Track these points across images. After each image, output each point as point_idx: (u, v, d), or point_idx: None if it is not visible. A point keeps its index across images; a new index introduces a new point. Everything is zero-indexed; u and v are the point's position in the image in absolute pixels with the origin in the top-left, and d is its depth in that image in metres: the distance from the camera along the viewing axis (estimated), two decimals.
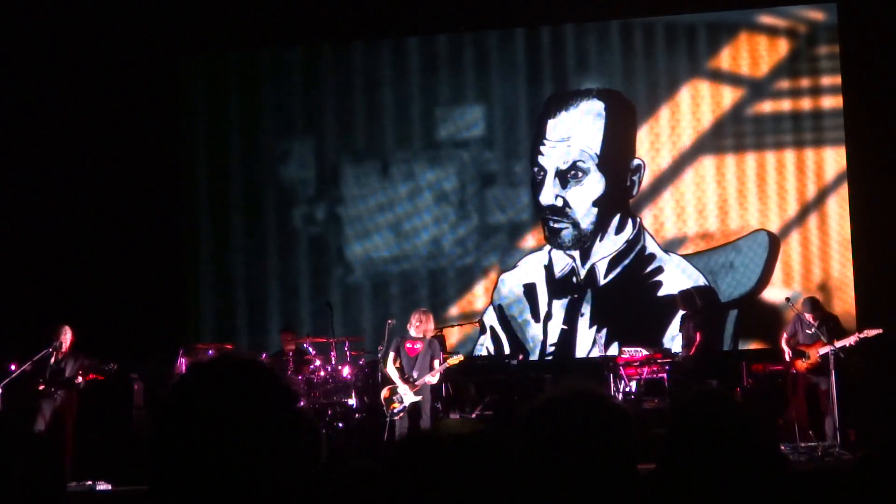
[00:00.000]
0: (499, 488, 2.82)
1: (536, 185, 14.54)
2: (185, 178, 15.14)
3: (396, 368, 11.85)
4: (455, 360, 12.07)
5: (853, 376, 11.77)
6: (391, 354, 11.94)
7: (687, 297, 12.84)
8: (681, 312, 12.91)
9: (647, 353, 12.67)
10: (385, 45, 15.01)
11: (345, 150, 14.99)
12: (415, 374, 11.75)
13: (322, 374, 12.75)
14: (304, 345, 13.23)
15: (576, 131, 14.49)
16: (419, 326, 11.86)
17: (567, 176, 14.46)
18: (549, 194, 14.49)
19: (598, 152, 14.41)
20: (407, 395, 11.69)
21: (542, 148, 14.57)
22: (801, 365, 11.94)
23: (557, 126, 14.54)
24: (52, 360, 11.79)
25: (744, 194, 14.19)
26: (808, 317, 12.05)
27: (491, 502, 2.81)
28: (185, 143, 15.16)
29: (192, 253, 15.04)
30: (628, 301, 14.13)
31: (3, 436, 2.90)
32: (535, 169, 14.56)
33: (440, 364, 11.84)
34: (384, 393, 11.88)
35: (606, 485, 2.19)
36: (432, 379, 11.81)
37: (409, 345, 11.89)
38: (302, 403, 12.05)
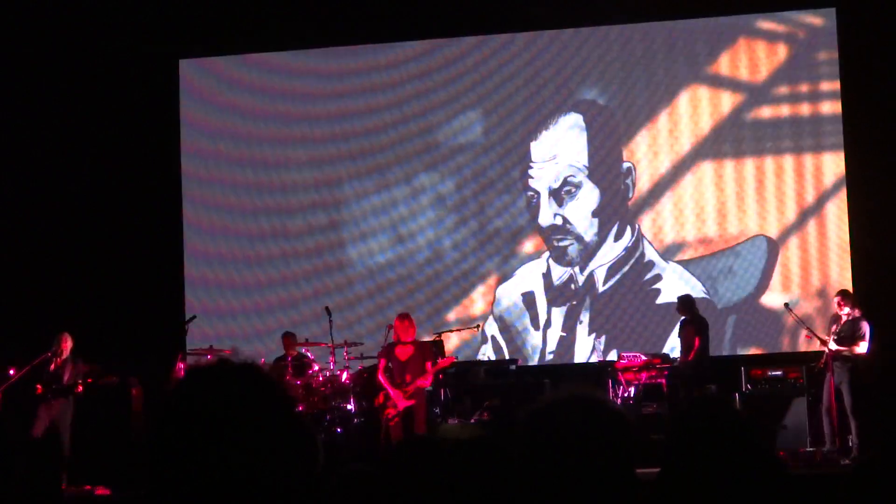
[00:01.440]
0: (498, 492, 2.81)
1: (533, 209, 14.55)
2: (185, 181, 15.14)
3: (387, 374, 11.83)
4: (446, 361, 12.02)
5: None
6: (382, 361, 11.93)
7: (686, 303, 12.83)
8: (680, 318, 12.90)
9: (645, 358, 12.68)
10: (384, 48, 15.02)
11: (343, 155, 14.99)
12: (408, 379, 11.73)
13: (321, 378, 12.75)
14: (303, 350, 13.24)
15: (560, 148, 14.51)
16: (404, 331, 11.84)
17: (561, 193, 14.47)
18: (548, 215, 14.49)
19: (587, 163, 14.43)
20: (400, 401, 11.67)
21: (530, 171, 14.58)
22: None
23: (541, 146, 14.56)
24: (52, 366, 11.80)
25: (743, 199, 14.19)
26: (835, 304, 12.07)
27: None
28: (184, 146, 15.16)
29: (190, 256, 15.03)
30: (627, 308, 14.13)
31: (2, 439, 2.91)
32: (528, 193, 14.56)
33: (432, 367, 11.80)
34: (378, 399, 11.87)
35: (605, 489, 2.19)
36: (425, 382, 11.77)
37: (398, 350, 11.87)
38: (301, 408, 12.04)
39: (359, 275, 14.79)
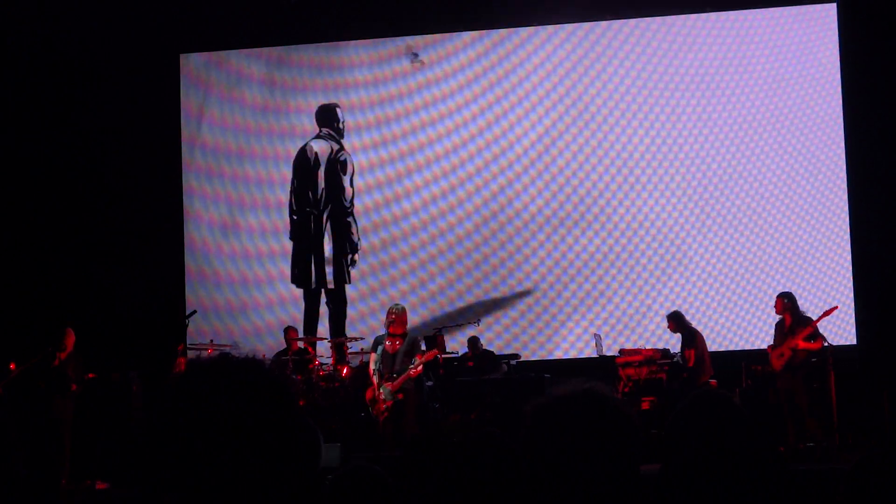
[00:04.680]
0: (502, 487, 2.81)
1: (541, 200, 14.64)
2: (185, 175, 15.14)
3: (376, 368, 11.80)
4: (430, 355, 11.81)
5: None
6: (372, 354, 11.90)
7: (675, 319, 12.77)
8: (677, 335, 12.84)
9: (646, 352, 12.69)
10: (387, 43, 15.01)
11: (346, 150, 14.99)
12: (395, 374, 11.69)
13: (321, 373, 12.76)
14: (304, 345, 13.27)
15: (579, 143, 14.60)
16: (395, 323, 11.76)
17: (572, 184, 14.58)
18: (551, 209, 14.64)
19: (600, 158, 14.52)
20: (387, 395, 11.63)
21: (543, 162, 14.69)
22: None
23: (562, 140, 14.64)
24: (55, 361, 11.77)
25: (742, 197, 14.20)
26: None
27: (494, 501, 2.81)
28: (185, 140, 15.16)
29: (191, 252, 15.04)
30: (633, 302, 14.17)
31: (3, 435, 2.90)
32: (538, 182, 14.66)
33: (420, 359, 11.70)
34: (367, 393, 11.84)
35: (608, 486, 2.19)
36: (411, 377, 11.69)
37: (388, 343, 11.80)
38: (301, 403, 12.04)
39: (361, 268, 14.78)
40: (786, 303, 11.79)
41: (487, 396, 12.65)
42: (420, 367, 11.65)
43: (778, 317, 11.88)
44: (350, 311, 14.62)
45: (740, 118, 14.27)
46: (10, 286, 14.12)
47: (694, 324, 12.85)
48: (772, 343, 11.86)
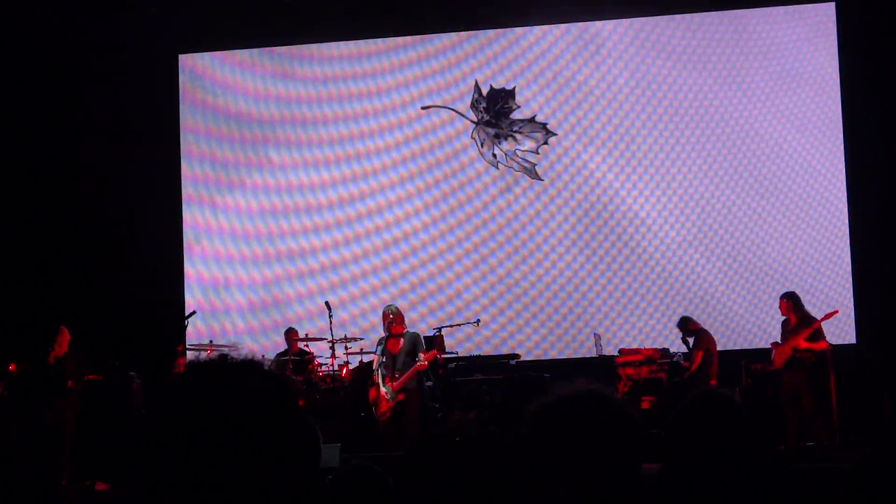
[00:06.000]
0: (502, 487, 2.82)
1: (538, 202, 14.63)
2: (184, 176, 15.13)
3: (378, 368, 11.82)
4: (430, 356, 11.81)
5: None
6: (374, 356, 11.92)
7: (683, 325, 12.78)
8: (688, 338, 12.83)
9: (646, 352, 12.69)
10: (387, 43, 15.01)
11: (349, 153, 14.99)
12: (397, 373, 11.71)
13: (321, 373, 12.77)
14: (304, 345, 13.27)
15: (569, 144, 14.58)
16: (394, 323, 11.78)
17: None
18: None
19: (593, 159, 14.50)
20: (389, 395, 11.64)
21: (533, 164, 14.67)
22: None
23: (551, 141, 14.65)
24: (52, 360, 11.76)
25: (741, 197, 14.20)
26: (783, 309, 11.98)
27: (495, 501, 2.82)
28: (183, 142, 15.16)
29: (191, 252, 15.03)
30: (627, 304, 14.16)
31: (3, 436, 2.90)
32: (535, 186, 14.66)
33: (420, 361, 11.70)
34: (371, 393, 11.87)
35: (609, 487, 2.19)
36: (412, 377, 11.69)
37: (390, 343, 11.83)
38: (301, 403, 12.05)
39: (358, 268, 14.78)
40: (788, 303, 11.84)
41: (487, 396, 12.65)
42: (425, 362, 11.68)
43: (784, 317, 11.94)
44: (352, 310, 14.60)
45: (739, 117, 14.26)
46: (10, 287, 14.12)
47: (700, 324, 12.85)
48: (776, 340, 11.92)
